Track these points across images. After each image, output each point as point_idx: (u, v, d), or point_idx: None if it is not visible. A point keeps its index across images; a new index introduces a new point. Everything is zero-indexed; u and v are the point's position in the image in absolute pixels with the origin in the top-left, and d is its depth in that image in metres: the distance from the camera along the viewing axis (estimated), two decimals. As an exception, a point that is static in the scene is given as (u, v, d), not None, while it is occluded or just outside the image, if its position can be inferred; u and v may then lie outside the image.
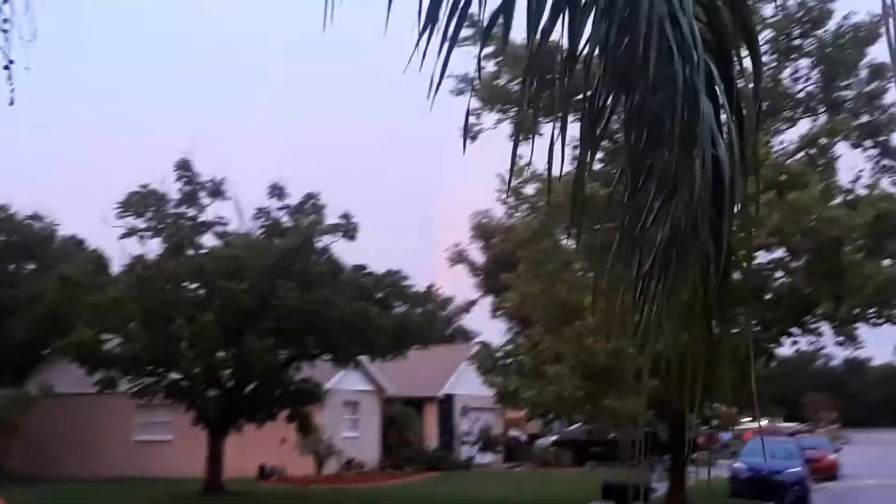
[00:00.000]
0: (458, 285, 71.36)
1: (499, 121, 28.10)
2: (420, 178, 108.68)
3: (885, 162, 24.81)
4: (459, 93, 27.97)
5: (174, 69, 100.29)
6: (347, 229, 30.75)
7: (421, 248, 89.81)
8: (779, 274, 26.78)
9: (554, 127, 3.74)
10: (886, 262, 22.81)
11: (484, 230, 66.62)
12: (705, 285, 3.52)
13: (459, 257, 69.23)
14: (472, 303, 71.11)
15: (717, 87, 3.49)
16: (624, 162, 3.63)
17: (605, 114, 3.58)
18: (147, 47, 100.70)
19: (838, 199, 23.38)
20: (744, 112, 3.61)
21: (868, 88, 24.20)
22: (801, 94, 25.16)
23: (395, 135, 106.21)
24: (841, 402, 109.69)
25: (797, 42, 24.33)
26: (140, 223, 29.88)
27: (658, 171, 3.47)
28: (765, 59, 22.25)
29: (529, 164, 29.46)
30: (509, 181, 31.29)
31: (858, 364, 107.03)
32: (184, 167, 30.50)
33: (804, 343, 27.53)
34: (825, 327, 26.55)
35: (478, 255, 69.37)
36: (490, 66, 27.66)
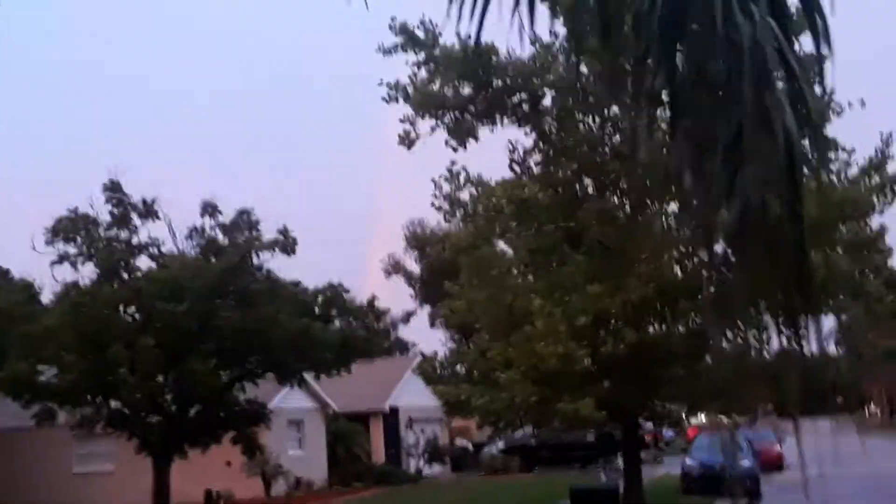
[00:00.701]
0: (394, 296, 70.85)
1: (433, 127, 27.76)
2: (351, 188, 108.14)
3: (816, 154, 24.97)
4: (392, 99, 27.73)
5: (86, 87, 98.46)
6: (286, 244, 30.20)
7: (355, 259, 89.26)
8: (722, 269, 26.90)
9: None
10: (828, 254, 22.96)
11: (419, 239, 66.72)
12: (780, 266, 3.23)
13: (395, 267, 69.18)
14: (411, 313, 70.97)
15: (783, 52, 3.19)
16: (677, 135, 3.30)
17: (655, 81, 3.26)
18: (55, 68, 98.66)
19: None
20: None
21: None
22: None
23: (324, 144, 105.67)
24: (775, 393, 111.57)
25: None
26: (71, 249, 29.03)
27: (722, 142, 3.15)
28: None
29: (464, 168, 29.39)
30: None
31: (787, 354, 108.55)
32: (113, 188, 29.72)
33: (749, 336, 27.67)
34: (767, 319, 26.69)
35: (413, 265, 69.49)
36: (423, 73, 27.34)
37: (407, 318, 71.45)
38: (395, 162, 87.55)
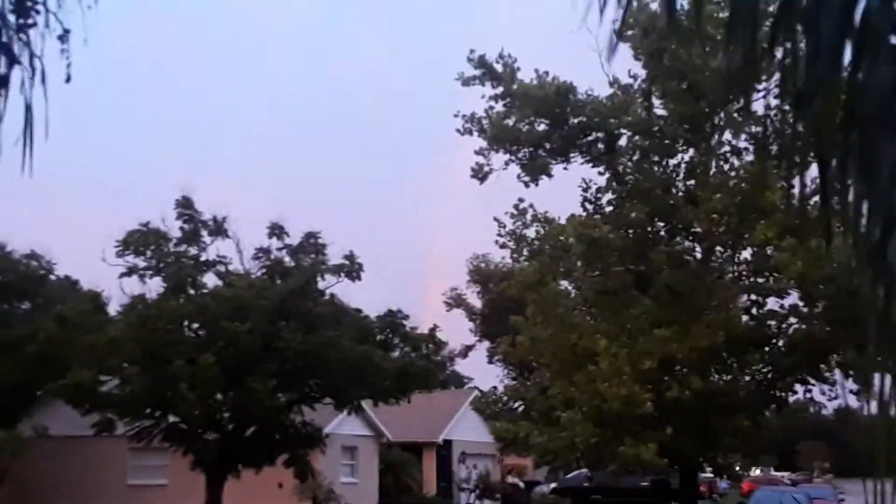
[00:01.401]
0: (453, 330, 70.68)
1: (507, 162, 27.71)
2: (416, 222, 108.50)
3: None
4: (467, 132, 27.74)
5: (163, 106, 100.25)
6: (351, 269, 30.18)
7: (414, 291, 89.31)
8: (792, 320, 26.41)
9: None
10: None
11: (482, 274, 66.49)
12: None
13: (457, 301, 68.97)
14: (470, 347, 70.60)
15: None
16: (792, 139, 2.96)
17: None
18: (137, 84, 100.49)
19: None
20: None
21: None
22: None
23: (389, 177, 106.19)
24: (833, 451, 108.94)
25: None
26: (140, 262, 29.28)
27: (889, 160, 2.80)
28: (775, 102, 21.86)
29: (531, 206, 29.23)
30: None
31: (849, 413, 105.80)
32: (184, 205, 29.99)
33: (817, 391, 27.20)
34: (838, 375, 26.24)
35: (475, 300, 69.20)
36: (499, 106, 27.37)
37: (465, 352, 71.17)
38: (457, 195, 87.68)
